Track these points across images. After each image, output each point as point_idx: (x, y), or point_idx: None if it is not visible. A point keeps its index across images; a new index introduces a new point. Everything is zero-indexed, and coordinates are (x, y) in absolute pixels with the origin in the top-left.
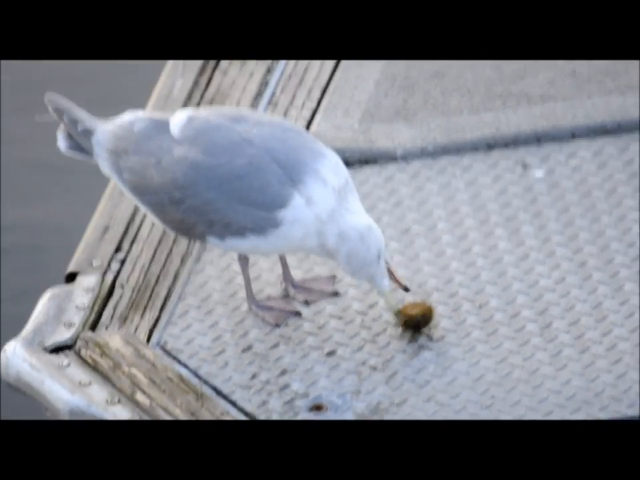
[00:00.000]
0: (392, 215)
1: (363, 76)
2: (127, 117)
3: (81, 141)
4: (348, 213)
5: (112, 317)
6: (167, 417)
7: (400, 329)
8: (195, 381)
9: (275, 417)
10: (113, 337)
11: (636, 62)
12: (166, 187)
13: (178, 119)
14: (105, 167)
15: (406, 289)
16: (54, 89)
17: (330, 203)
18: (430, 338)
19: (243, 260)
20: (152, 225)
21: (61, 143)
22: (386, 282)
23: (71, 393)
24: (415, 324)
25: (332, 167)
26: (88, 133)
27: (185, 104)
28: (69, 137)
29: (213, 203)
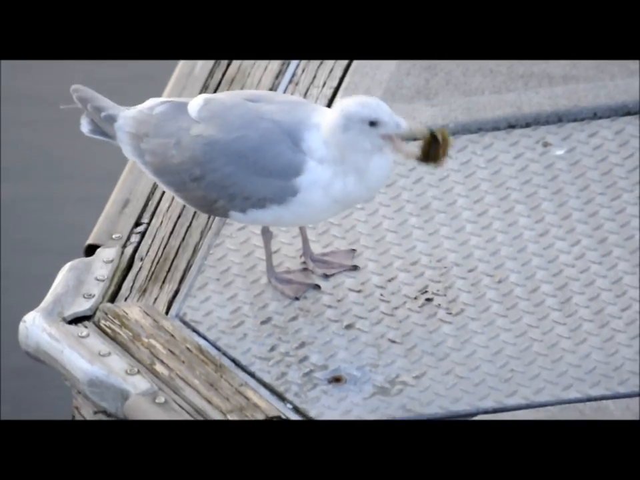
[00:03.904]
0: (412, 192)
1: None
2: (149, 102)
3: (104, 127)
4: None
5: (131, 288)
6: (186, 388)
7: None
8: (213, 352)
9: (294, 388)
10: (132, 308)
11: None
12: (186, 165)
13: (195, 102)
14: (127, 151)
15: (420, 160)
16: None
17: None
18: (449, 311)
19: (267, 234)
20: (172, 198)
21: (84, 127)
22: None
23: (90, 363)
24: (431, 151)
25: (325, 112)
26: (111, 119)
27: (206, 82)
28: (92, 122)
29: (232, 177)
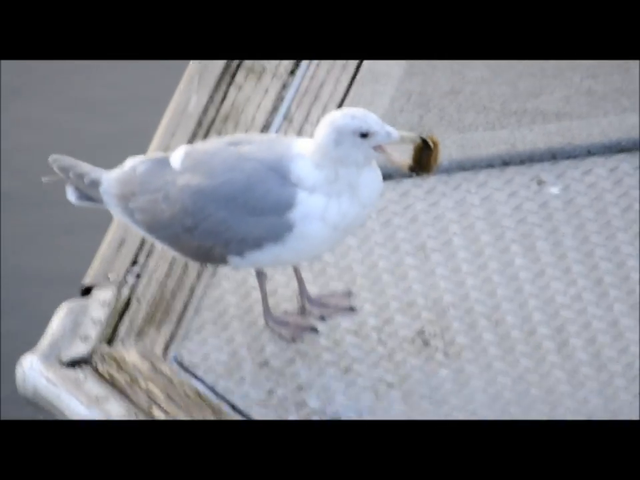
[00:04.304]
0: (407, 231)
1: (379, 92)
2: (129, 162)
3: (89, 193)
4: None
5: (128, 330)
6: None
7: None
8: (211, 396)
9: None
10: (129, 352)
11: None
12: (177, 217)
13: (177, 155)
14: (117, 212)
15: (412, 169)
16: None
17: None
18: (447, 354)
19: (261, 275)
20: None
21: (71, 196)
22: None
23: (87, 408)
24: (422, 160)
25: (301, 141)
26: (95, 184)
27: (200, 119)
28: (78, 189)
29: (225, 222)
